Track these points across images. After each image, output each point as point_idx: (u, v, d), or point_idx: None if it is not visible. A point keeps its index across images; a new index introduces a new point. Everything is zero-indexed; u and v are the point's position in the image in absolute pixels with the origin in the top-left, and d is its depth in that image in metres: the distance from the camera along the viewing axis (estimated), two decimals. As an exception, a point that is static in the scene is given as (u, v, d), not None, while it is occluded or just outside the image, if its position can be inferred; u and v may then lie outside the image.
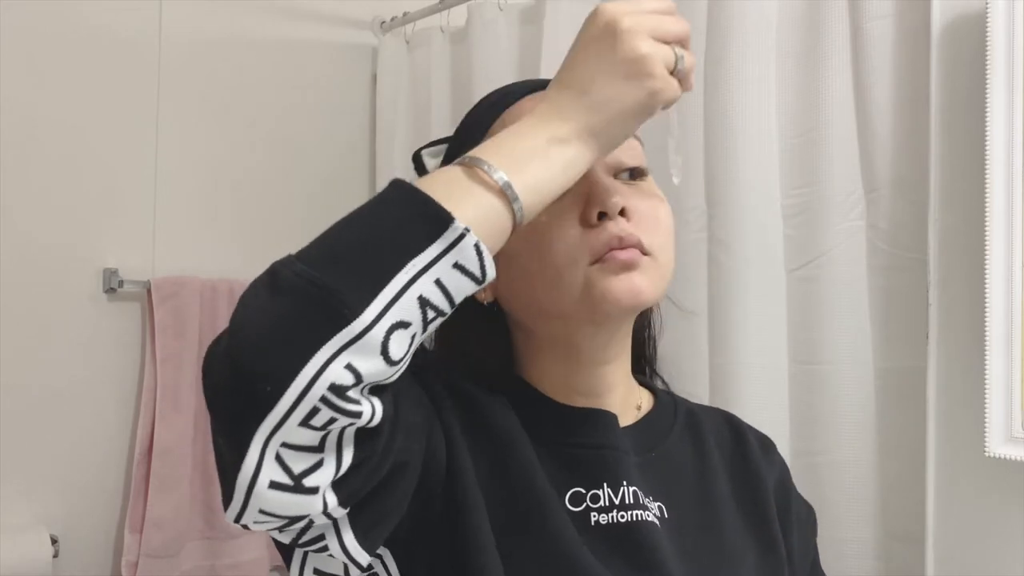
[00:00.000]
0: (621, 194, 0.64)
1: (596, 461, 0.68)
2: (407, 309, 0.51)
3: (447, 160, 0.76)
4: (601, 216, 0.63)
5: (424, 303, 0.51)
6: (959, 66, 1.08)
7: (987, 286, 1.01)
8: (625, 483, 0.67)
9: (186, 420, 1.57)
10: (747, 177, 1.27)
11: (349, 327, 0.49)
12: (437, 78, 1.84)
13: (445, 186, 0.54)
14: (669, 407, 0.77)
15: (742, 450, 0.78)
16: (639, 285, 0.63)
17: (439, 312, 0.53)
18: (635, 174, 0.68)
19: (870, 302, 1.20)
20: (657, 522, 0.67)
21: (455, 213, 0.52)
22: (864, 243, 1.21)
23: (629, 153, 0.67)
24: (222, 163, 1.73)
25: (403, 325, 0.51)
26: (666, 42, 0.60)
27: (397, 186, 0.55)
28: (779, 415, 1.25)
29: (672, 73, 0.60)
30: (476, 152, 0.57)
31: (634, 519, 0.66)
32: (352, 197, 1.96)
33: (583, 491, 0.67)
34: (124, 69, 1.61)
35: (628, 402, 0.74)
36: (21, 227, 1.48)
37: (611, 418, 0.71)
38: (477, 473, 0.63)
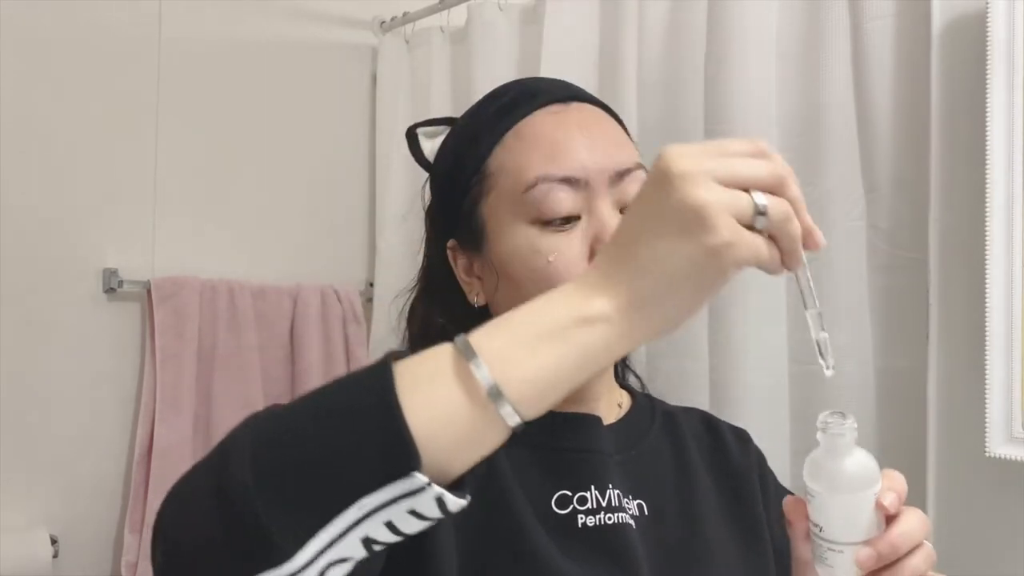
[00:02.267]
0: None
1: (582, 464, 0.69)
2: (348, 547, 0.45)
3: (448, 154, 0.75)
4: None
5: (369, 542, 0.46)
6: (959, 66, 1.07)
7: (987, 286, 1.01)
8: (611, 486, 0.69)
9: (186, 420, 1.57)
10: (747, 177, 1.27)
11: (279, 569, 0.44)
12: (437, 78, 1.84)
13: (429, 379, 0.47)
14: (647, 407, 0.79)
15: (719, 445, 0.80)
16: None
17: (386, 545, 0.47)
18: None
19: (870, 302, 1.20)
20: (633, 523, 0.68)
21: (426, 414, 0.45)
22: (864, 243, 1.21)
23: (637, 188, 0.66)
24: (222, 163, 1.73)
25: (341, 561, 0.46)
26: (743, 188, 0.47)
27: (380, 383, 0.46)
28: (779, 415, 1.24)
29: (754, 228, 0.47)
30: (479, 334, 0.48)
31: (619, 521, 0.67)
32: (352, 197, 1.96)
33: (569, 494, 0.68)
34: (124, 69, 1.61)
35: (610, 403, 0.77)
36: (21, 227, 1.48)
37: (596, 421, 0.73)
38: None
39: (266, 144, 1.80)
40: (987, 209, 1.01)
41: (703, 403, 1.28)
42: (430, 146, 0.80)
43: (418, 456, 0.44)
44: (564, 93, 0.72)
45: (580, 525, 0.66)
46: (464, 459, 0.47)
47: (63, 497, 1.52)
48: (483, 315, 0.73)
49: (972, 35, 1.05)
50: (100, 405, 1.57)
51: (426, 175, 0.81)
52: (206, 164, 1.71)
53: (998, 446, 1.00)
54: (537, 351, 0.46)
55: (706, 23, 1.34)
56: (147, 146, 1.63)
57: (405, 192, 1.91)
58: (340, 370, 1.80)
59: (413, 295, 0.80)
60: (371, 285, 1.94)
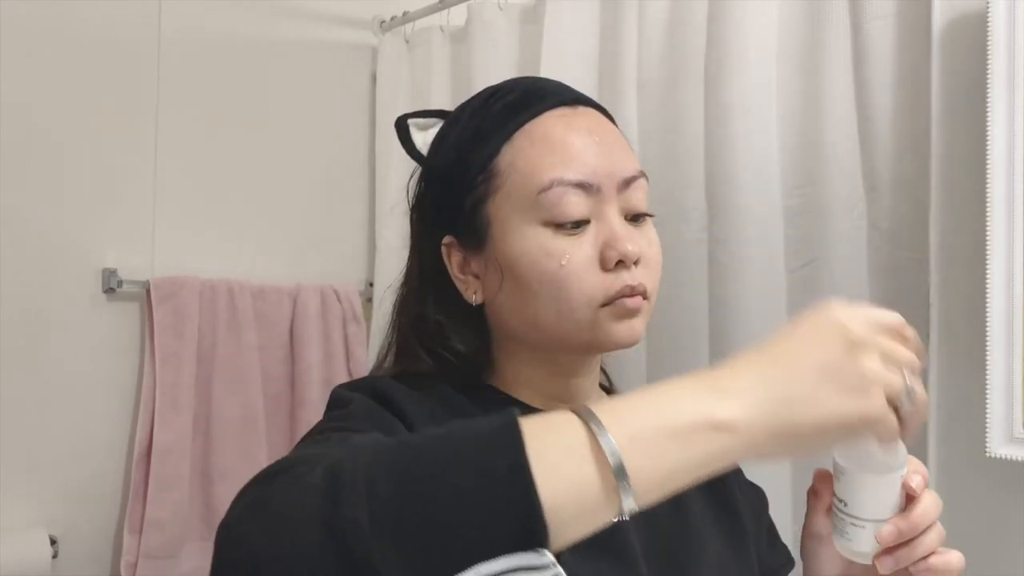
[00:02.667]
0: (634, 241, 0.67)
1: None
2: None
3: (449, 149, 0.74)
4: (618, 263, 0.67)
5: None
6: (959, 66, 1.07)
7: (987, 286, 1.01)
8: None
9: (185, 420, 1.56)
10: (747, 177, 1.27)
11: None
12: (437, 78, 1.84)
13: (558, 449, 0.47)
14: None
15: None
16: (637, 329, 0.68)
17: None
18: (641, 217, 0.71)
19: (870, 302, 1.20)
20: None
21: (553, 486, 0.44)
22: (864, 243, 1.21)
23: (640, 196, 0.70)
24: (222, 163, 1.73)
25: None
26: (897, 368, 0.52)
27: (511, 445, 0.45)
28: (779, 415, 1.24)
29: (895, 409, 0.51)
30: (605, 414, 0.47)
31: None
32: (352, 197, 1.96)
33: None
34: (124, 69, 1.61)
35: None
36: (21, 227, 1.48)
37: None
38: None
39: (266, 144, 1.80)
40: (987, 209, 1.01)
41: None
42: (422, 138, 0.79)
43: (547, 532, 0.44)
44: (570, 96, 0.73)
45: None
46: (573, 534, 0.47)
47: (63, 497, 1.52)
48: (479, 313, 0.73)
49: (972, 35, 1.05)
50: (100, 405, 1.57)
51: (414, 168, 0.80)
52: (206, 164, 1.71)
53: (998, 446, 1.00)
54: (663, 448, 0.47)
55: (706, 23, 1.34)
56: (147, 146, 1.63)
57: (405, 192, 1.91)
58: (340, 370, 1.80)
59: (405, 290, 0.79)
60: (371, 285, 1.94)
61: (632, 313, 0.67)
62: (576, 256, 0.67)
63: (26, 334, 1.48)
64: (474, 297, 0.73)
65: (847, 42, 1.22)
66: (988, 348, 1.00)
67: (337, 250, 1.93)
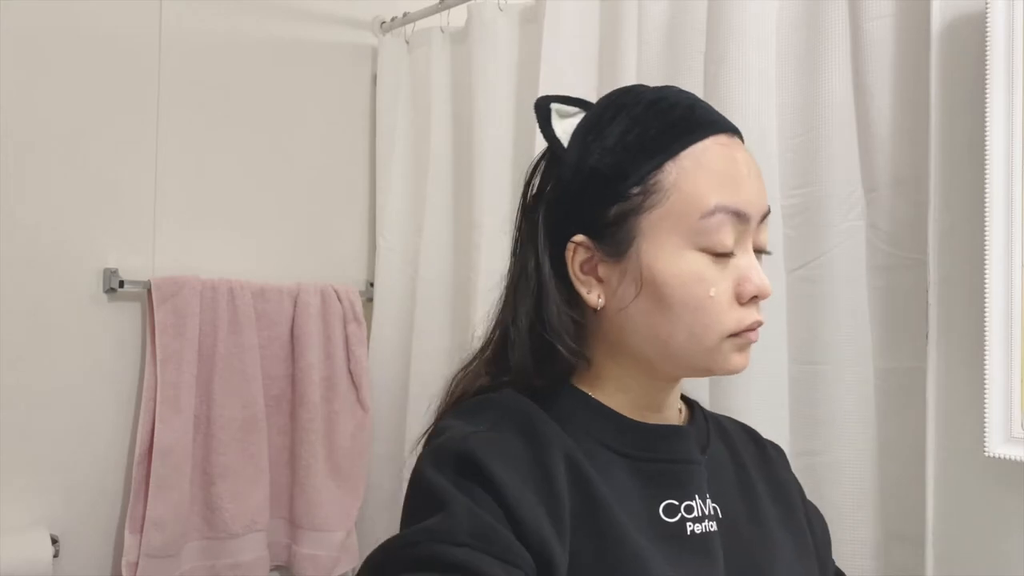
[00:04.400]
0: (765, 279, 0.70)
1: (684, 475, 0.72)
2: None
3: (605, 153, 0.71)
4: (752, 297, 0.69)
5: None
6: (959, 66, 1.08)
7: (987, 286, 1.01)
8: (709, 496, 0.72)
9: (186, 420, 1.57)
10: (747, 177, 1.27)
11: None
12: (437, 78, 1.84)
13: None
14: (700, 413, 0.82)
15: (764, 456, 0.83)
16: (748, 360, 0.71)
17: None
18: (761, 252, 0.73)
19: (870, 302, 1.20)
20: (715, 526, 0.71)
21: None
22: (864, 243, 1.21)
23: (766, 233, 0.72)
24: (222, 163, 1.73)
25: None
26: None
27: None
28: (779, 415, 1.24)
29: None
30: None
31: (714, 529, 0.71)
32: (352, 197, 1.96)
33: (676, 503, 0.70)
34: (124, 69, 1.61)
35: (676, 411, 0.80)
36: (21, 227, 1.48)
37: (687, 432, 0.76)
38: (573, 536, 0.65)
39: (266, 144, 1.80)
40: (987, 209, 1.01)
41: (703, 403, 1.28)
42: (562, 127, 0.75)
43: None
44: (729, 125, 0.73)
45: (689, 533, 0.69)
46: None
47: (63, 497, 1.52)
48: (584, 315, 0.73)
49: (972, 35, 1.05)
50: (100, 405, 1.57)
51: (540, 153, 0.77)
52: (206, 164, 1.71)
53: (997, 446, 1.00)
54: None
55: (706, 23, 1.34)
56: (147, 146, 1.64)
57: (405, 192, 1.91)
58: (341, 370, 1.80)
59: (520, 282, 0.75)
60: (371, 285, 1.94)
61: (749, 345, 0.71)
62: (721, 287, 0.68)
63: (27, 334, 1.48)
64: (598, 300, 0.72)
65: (847, 42, 1.22)
66: (987, 348, 1.00)
67: (337, 250, 1.93)
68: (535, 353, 0.73)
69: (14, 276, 1.47)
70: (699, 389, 1.30)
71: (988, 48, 1.02)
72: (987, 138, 1.01)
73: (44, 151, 1.51)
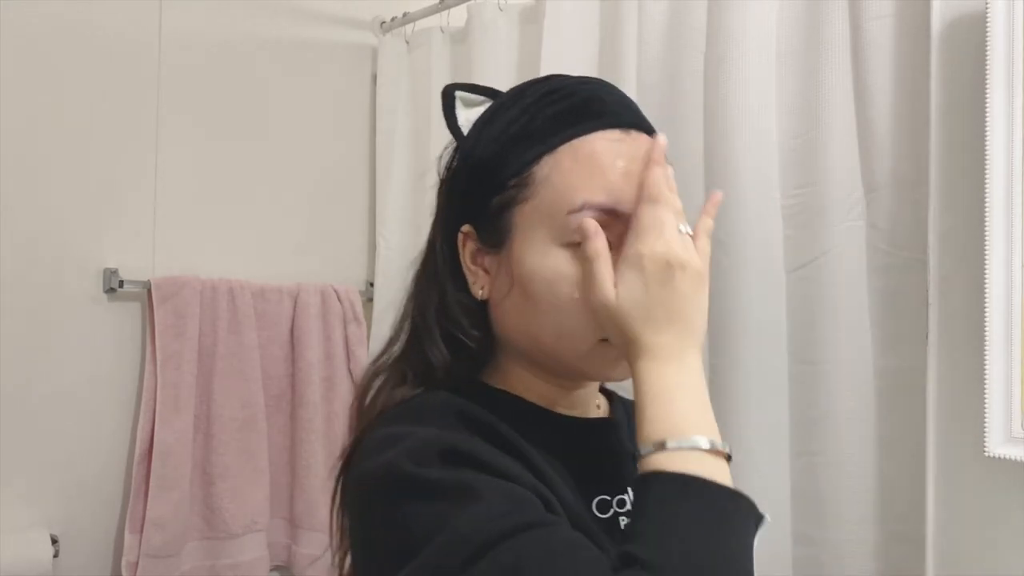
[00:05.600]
0: None
1: (616, 468, 0.71)
2: None
3: (491, 142, 0.70)
4: None
5: None
6: (959, 66, 1.07)
7: (987, 286, 1.01)
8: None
9: (186, 420, 1.57)
10: (747, 177, 1.27)
11: None
12: (437, 78, 1.84)
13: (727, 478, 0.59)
14: (619, 403, 0.81)
15: None
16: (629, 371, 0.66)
17: None
18: None
19: (870, 302, 1.20)
20: None
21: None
22: (864, 243, 1.21)
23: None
24: (223, 163, 1.73)
25: None
26: None
27: (739, 500, 0.58)
28: (779, 415, 1.24)
29: None
30: (713, 434, 0.59)
31: None
32: (352, 197, 1.96)
33: (608, 498, 0.69)
34: (124, 69, 1.61)
35: (595, 406, 0.78)
36: (21, 227, 1.48)
37: (616, 425, 0.75)
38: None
39: (266, 144, 1.80)
40: (987, 209, 1.01)
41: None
42: (465, 115, 0.75)
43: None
44: (627, 119, 0.69)
45: (623, 527, 0.68)
46: None
47: (63, 497, 1.52)
48: (482, 309, 0.71)
49: (972, 35, 1.05)
50: (100, 405, 1.57)
51: (447, 142, 0.76)
52: (206, 164, 1.71)
53: (997, 446, 1.00)
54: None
55: (706, 23, 1.34)
56: (147, 146, 1.64)
57: (405, 192, 1.91)
58: (340, 369, 1.80)
59: (426, 267, 0.75)
60: (371, 285, 1.94)
61: None
62: (583, 290, 0.64)
63: (27, 334, 1.48)
64: (480, 292, 0.71)
65: (847, 42, 1.22)
66: (987, 348, 1.00)
67: (337, 250, 1.93)
68: (447, 344, 0.71)
69: (14, 276, 1.47)
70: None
71: (988, 48, 1.01)
72: (987, 138, 1.01)
73: (44, 151, 1.51)
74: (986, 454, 1.00)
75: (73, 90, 1.55)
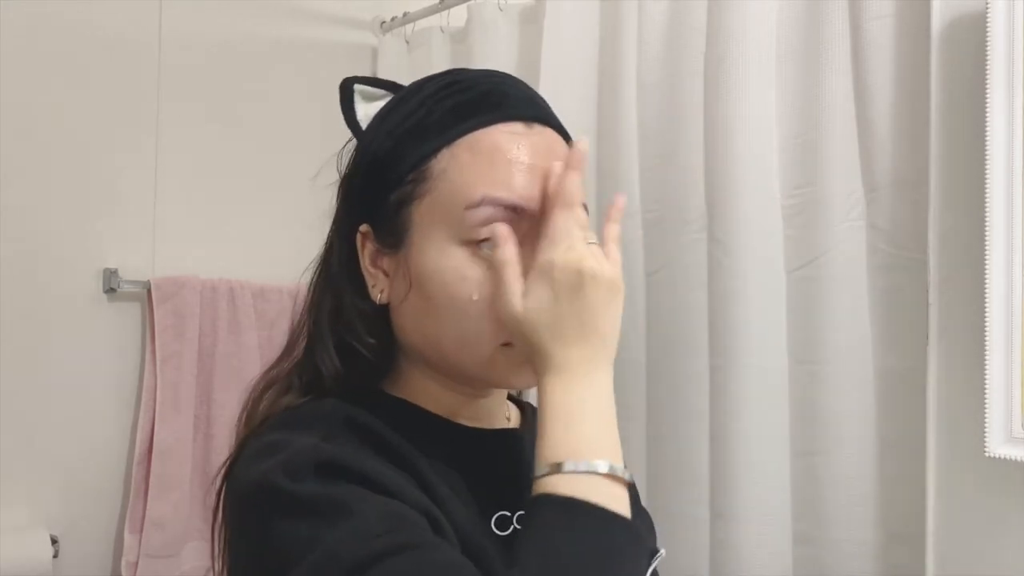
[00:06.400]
0: None
1: (518, 483, 0.65)
2: None
3: (387, 137, 0.68)
4: None
5: None
6: (959, 66, 1.07)
7: (987, 286, 1.01)
8: None
9: (186, 420, 1.57)
10: (747, 177, 1.27)
11: None
12: (437, 78, 1.84)
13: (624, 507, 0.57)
14: (531, 413, 0.77)
15: None
16: (535, 378, 0.63)
17: None
18: None
19: (870, 302, 1.20)
20: None
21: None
22: (864, 243, 1.21)
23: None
24: (222, 163, 1.73)
25: None
26: None
27: (632, 531, 0.56)
28: (779, 415, 1.24)
29: None
30: (615, 459, 0.57)
31: None
32: (352, 197, 1.96)
33: (508, 514, 0.66)
34: (124, 69, 1.61)
35: (503, 417, 0.75)
36: (21, 227, 1.48)
37: (521, 438, 0.72)
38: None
39: (266, 144, 1.80)
40: (987, 209, 1.01)
41: (703, 403, 1.28)
42: (364, 110, 0.74)
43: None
44: (529, 112, 0.67)
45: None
46: None
47: (63, 497, 1.52)
48: (382, 314, 0.68)
49: (972, 35, 1.05)
50: (101, 405, 1.57)
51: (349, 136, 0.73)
52: (206, 164, 1.71)
53: (998, 446, 1.00)
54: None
55: (706, 23, 1.33)
56: (147, 146, 1.64)
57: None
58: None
59: (323, 271, 0.72)
60: (371, 285, 1.94)
61: None
62: (487, 289, 0.62)
63: (27, 334, 1.48)
64: (379, 296, 0.67)
65: (846, 42, 1.22)
66: (987, 348, 1.00)
67: (337, 250, 1.93)
68: (339, 352, 0.67)
69: (14, 276, 1.47)
70: (699, 389, 1.30)
71: (988, 48, 1.01)
72: (987, 138, 1.01)
73: (44, 151, 1.51)
74: (986, 454, 1.00)
75: (73, 90, 1.55)
